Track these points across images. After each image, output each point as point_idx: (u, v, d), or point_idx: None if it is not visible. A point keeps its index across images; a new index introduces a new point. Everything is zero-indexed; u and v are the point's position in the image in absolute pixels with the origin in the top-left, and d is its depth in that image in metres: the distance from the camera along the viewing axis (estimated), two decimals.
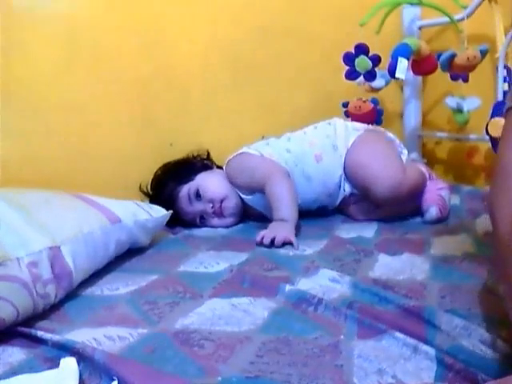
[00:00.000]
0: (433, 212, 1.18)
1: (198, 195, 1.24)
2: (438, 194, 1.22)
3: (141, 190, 1.31)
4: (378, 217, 1.23)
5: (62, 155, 1.30)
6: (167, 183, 1.27)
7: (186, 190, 1.24)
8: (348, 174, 1.24)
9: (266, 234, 1.04)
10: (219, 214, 1.24)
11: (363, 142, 1.25)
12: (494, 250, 0.54)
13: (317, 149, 1.25)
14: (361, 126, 1.31)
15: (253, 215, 1.29)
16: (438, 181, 1.31)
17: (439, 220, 1.18)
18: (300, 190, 1.22)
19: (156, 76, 1.42)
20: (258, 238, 1.05)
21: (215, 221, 1.25)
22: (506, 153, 0.54)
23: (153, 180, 1.32)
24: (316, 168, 1.24)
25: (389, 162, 1.20)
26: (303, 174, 1.24)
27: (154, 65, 1.41)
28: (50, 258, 0.76)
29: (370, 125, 1.39)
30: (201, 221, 1.26)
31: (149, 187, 1.32)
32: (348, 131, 1.27)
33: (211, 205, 1.23)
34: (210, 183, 1.25)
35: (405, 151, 1.32)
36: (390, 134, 1.33)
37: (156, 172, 1.33)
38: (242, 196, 1.26)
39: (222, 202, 1.24)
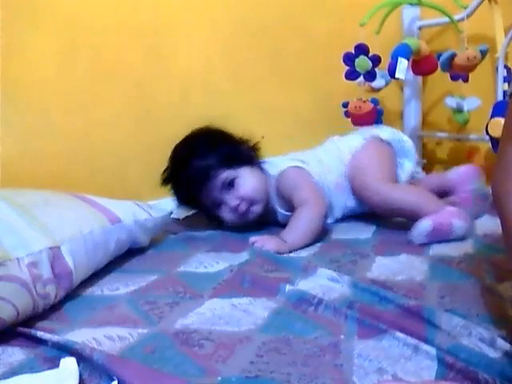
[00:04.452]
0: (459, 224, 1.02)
1: (230, 185, 1.17)
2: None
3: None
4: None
5: (62, 155, 1.30)
6: (209, 157, 1.16)
7: (224, 175, 1.16)
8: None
9: (258, 242, 1.05)
10: (241, 213, 1.17)
11: (362, 158, 1.22)
12: (505, 238, 0.54)
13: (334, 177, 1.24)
14: (358, 141, 1.26)
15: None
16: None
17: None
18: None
19: (156, 76, 1.42)
20: (250, 242, 1.07)
21: (229, 215, 1.18)
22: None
23: (191, 142, 1.21)
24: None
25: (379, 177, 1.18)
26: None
27: (155, 65, 1.41)
28: (50, 258, 0.76)
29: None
30: (216, 208, 1.19)
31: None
32: (349, 147, 1.26)
33: (238, 201, 1.16)
34: (250, 181, 1.18)
35: (408, 164, 1.26)
36: (389, 137, 1.25)
37: (197, 134, 1.21)
38: (278, 208, 1.21)
39: (251, 203, 1.18)
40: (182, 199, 1.23)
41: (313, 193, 1.16)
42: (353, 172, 1.21)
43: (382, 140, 1.24)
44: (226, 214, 1.19)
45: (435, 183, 1.29)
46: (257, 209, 1.19)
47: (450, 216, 1.03)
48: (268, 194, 1.21)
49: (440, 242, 1.01)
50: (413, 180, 1.30)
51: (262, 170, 1.23)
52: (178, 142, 1.22)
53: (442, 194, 1.26)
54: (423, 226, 1.02)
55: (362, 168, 1.19)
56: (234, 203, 1.16)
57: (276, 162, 1.24)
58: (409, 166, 1.27)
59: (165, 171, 1.22)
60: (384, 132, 1.26)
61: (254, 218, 1.20)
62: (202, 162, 1.15)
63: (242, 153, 1.22)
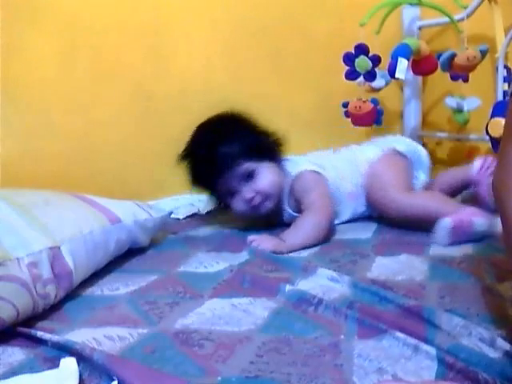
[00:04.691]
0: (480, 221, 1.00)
1: (249, 177, 1.16)
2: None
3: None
4: None
5: (62, 155, 1.30)
6: (232, 146, 1.15)
7: (245, 166, 1.14)
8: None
9: (256, 241, 1.05)
10: (254, 206, 1.16)
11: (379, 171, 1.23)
12: (505, 236, 0.54)
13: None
14: (375, 152, 1.25)
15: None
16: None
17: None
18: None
19: (156, 76, 1.42)
20: (248, 241, 1.07)
21: (241, 205, 1.17)
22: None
23: (216, 126, 1.20)
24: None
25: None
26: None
27: (155, 65, 1.42)
28: (50, 258, 0.76)
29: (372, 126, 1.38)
30: (229, 196, 1.18)
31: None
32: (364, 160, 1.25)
33: (254, 194, 1.15)
34: (269, 176, 1.17)
35: (422, 175, 1.28)
36: (405, 149, 1.26)
37: (223, 119, 1.21)
38: (286, 207, 1.21)
39: (265, 198, 1.17)
40: (196, 179, 1.21)
41: (323, 199, 1.16)
42: (369, 180, 1.21)
43: (398, 152, 1.25)
44: (239, 204, 1.18)
45: (450, 180, 1.30)
46: (269, 204, 1.18)
47: (470, 214, 1.02)
48: (282, 192, 1.21)
49: (465, 242, 0.99)
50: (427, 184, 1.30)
51: (281, 166, 1.23)
52: (202, 121, 1.20)
53: (464, 187, 1.29)
54: (443, 224, 1.00)
55: (379, 176, 1.20)
56: (250, 195, 1.15)
57: (297, 161, 1.24)
58: (423, 176, 1.29)
59: (185, 149, 1.20)
60: (400, 144, 1.27)
61: (265, 212, 1.19)
62: (225, 150, 1.14)
63: (265, 145, 1.21)
